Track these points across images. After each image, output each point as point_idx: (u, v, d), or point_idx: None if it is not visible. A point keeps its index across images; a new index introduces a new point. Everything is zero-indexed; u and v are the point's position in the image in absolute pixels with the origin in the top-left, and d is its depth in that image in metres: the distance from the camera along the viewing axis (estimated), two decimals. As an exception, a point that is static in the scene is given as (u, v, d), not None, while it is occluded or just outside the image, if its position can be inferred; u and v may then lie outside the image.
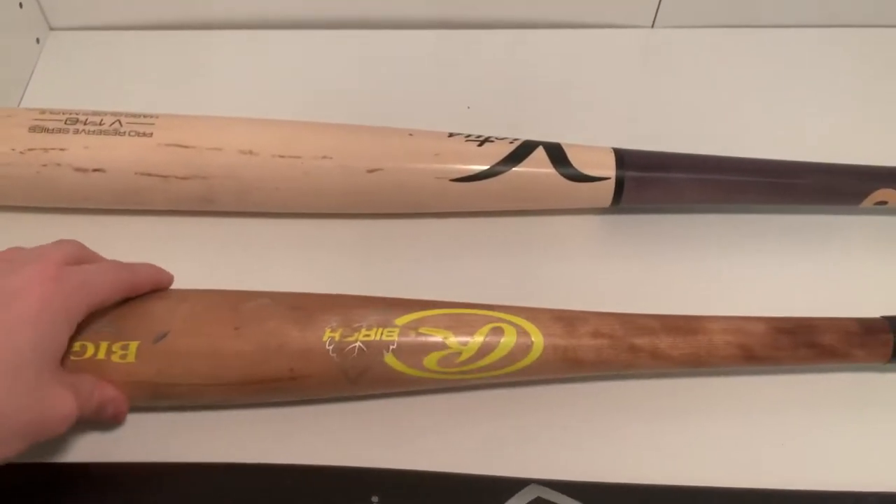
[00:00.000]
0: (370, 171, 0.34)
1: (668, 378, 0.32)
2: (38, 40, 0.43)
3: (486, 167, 0.34)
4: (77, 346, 0.27)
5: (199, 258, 0.34)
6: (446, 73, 0.42)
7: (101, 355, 0.28)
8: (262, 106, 0.37)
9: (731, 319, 0.31)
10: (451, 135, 0.35)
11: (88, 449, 0.29)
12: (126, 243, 0.35)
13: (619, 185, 0.35)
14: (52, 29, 0.44)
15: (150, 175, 0.33)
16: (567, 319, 0.30)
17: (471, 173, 0.34)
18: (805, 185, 0.36)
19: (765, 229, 0.36)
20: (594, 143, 0.36)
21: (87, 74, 0.42)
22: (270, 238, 0.35)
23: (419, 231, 0.36)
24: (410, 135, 0.35)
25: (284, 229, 0.36)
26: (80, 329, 0.27)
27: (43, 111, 0.34)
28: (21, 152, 0.33)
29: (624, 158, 0.35)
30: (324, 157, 0.34)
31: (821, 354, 0.31)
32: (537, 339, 0.29)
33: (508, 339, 0.29)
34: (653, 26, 0.46)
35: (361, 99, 0.40)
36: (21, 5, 0.41)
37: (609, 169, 0.35)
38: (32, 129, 0.33)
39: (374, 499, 0.25)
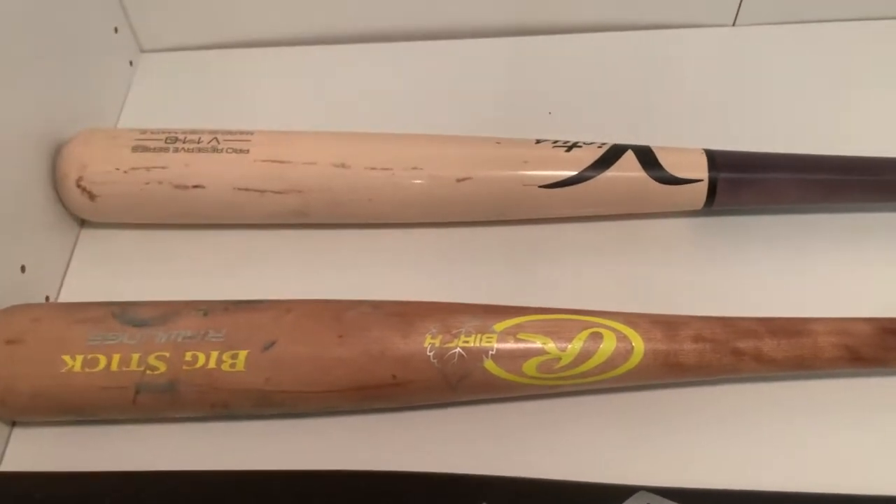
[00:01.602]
0: (459, 181, 0.34)
1: (772, 382, 0.31)
2: (131, 63, 0.45)
3: (574, 172, 0.34)
4: (189, 356, 0.28)
5: (295, 269, 0.35)
6: (527, 81, 0.43)
7: (212, 364, 0.28)
8: (349, 119, 0.38)
9: (836, 321, 0.30)
10: (538, 141, 0.35)
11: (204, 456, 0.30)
12: (224, 257, 0.36)
13: (712, 186, 0.34)
14: (143, 51, 0.45)
15: (247, 190, 0.34)
16: (667, 324, 0.30)
17: (559, 179, 0.34)
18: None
19: (867, 227, 0.35)
20: (681, 145, 0.35)
21: (178, 93, 0.43)
22: (362, 248, 0.36)
23: (510, 237, 0.36)
24: (498, 143, 0.35)
25: (376, 239, 0.36)
26: (193, 340, 0.28)
27: (144, 131, 0.36)
28: (125, 171, 0.34)
29: (716, 159, 0.34)
30: (414, 168, 0.34)
31: (933, 355, 0.30)
32: (637, 343, 0.29)
33: (608, 345, 0.29)
34: (734, 24, 0.45)
35: (444, 109, 0.41)
36: (116, 30, 0.43)
37: (701, 170, 0.34)
38: (135, 149, 0.35)
39: (484, 504, 0.25)
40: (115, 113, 0.42)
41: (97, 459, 0.30)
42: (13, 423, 0.31)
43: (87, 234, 0.37)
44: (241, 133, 0.35)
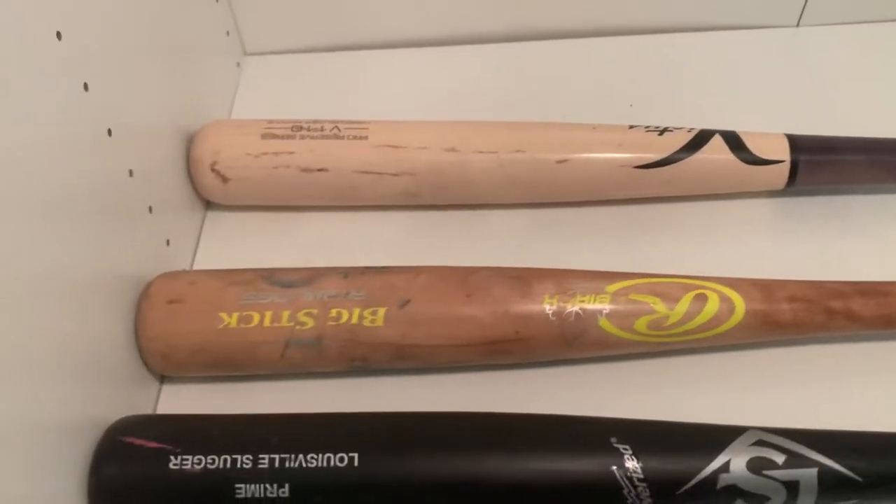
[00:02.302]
0: (559, 162, 0.38)
1: (862, 342, 0.34)
2: (238, 64, 0.48)
3: (667, 155, 0.37)
4: (334, 312, 0.32)
5: (412, 245, 0.38)
6: (609, 79, 0.46)
7: (355, 320, 0.32)
8: (452, 116, 0.41)
9: (922, 284, 0.33)
10: (631, 126, 0.38)
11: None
12: (345, 235, 0.39)
13: (794, 167, 0.37)
14: (246, 54, 0.49)
15: (367, 173, 0.38)
16: (764, 286, 0.32)
17: (653, 160, 0.37)
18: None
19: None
20: (761, 128, 0.38)
21: (281, 94, 0.47)
22: (471, 227, 0.39)
23: (610, 215, 0.39)
24: (594, 128, 0.39)
25: (483, 219, 0.39)
26: (337, 298, 0.31)
27: (270, 121, 0.39)
28: (255, 156, 0.38)
29: (797, 142, 0.37)
30: (517, 151, 0.38)
31: None
32: (738, 303, 0.32)
33: (712, 305, 0.32)
34: (798, 25, 0.48)
35: (537, 103, 0.44)
36: (228, 33, 0.47)
37: (784, 152, 0.37)
38: (264, 136, 0.38)
39: (613, 439, 0.28)
40: (226, 112, 0.46)
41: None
42: (162, 379, 0.35)
43: (212, 216, 0.41)
44: (359, 122, 0.39)
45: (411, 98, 0.45)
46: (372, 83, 0.47)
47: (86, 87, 0.30)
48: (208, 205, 0.41)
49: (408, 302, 0.32)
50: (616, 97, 0.44)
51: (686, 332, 0.32)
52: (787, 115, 0.42)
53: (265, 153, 0.38)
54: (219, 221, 0.40)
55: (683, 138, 0.38)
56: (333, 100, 0.46)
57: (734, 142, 0.37)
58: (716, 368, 0.33)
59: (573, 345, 0.32)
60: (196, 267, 0.39)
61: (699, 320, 0.32)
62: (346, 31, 0.48)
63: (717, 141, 0.37)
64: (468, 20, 0.48)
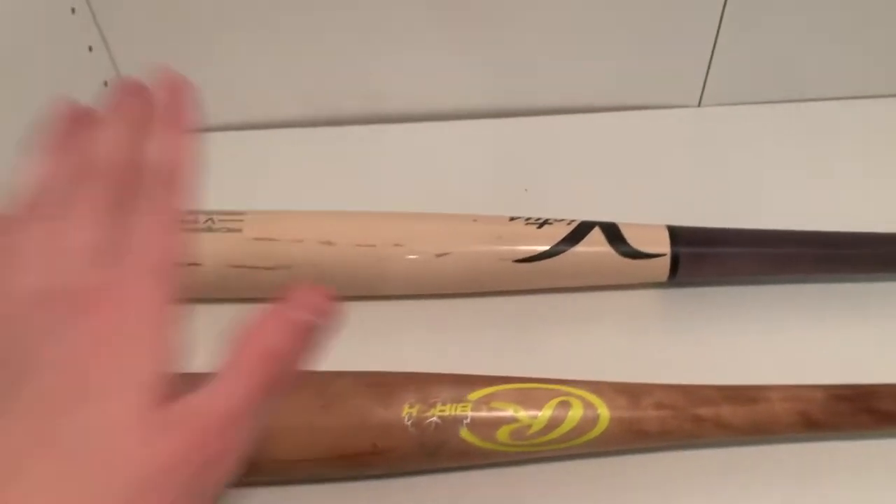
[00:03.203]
0: (439, 256, 0.37)
1: (733, 447, 0.33)
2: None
3: (546, 248, 0.37)
4: (182, 426, 0.30)
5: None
6: (502, 160, 0.45)
7: (203, 435, 0.30)
8: (335, 198, 0.40)
9: (790, 387, 0.32)
10: (511, 218, 0.38)
11: None
12: (215, 329, 0.38)
13: (675, 260, 0.37)
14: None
15: (240, 267, 0.37)
16: (631, 392, 0.32)
17: (532, 254, 0.37)
18: (860, 255, 0.37)
19: (820, 298, 0.38)
20: (648, 221, 0.38)
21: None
22: (347, 319, 0.38)
23: (485, 309, 0.38)
24: (474, 220, 0.38)
25: (359, 311, 0.38)
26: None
27: (144, 212, 0.38)
28: (126, 250, 0.37)
29: (678, 235, 0.37)
30: (396, 245, 0.37)
31: (881, 420, 0.32)
32: (603, 411, 0.31)
33: (575, 412, 0.31)
34: (699, 105, 0.48)
35: (426, 186, 0.43)
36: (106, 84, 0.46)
37: (664, 245, 0.37)
38: (136, 229, 0.37)
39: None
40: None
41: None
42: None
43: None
44: (234, 213, 0.38)
45: (293, 175, 0.45)
46: (262, 161, 0.46)
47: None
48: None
49: (260, 414, 0.31)
50: (511, 180, 0.44)
51: (549, 442, 0.31)
52: (684, 201, 0.42)
53: (135, 247, 0.37)
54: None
55: (563, 230, 0.37)
56: (221, 178, 0.45)
57: (613, 234, 0.37)
58: (583, 474, 0.32)
59: (434, 455, 0.31)
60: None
61: (562, 429, 0.31)
62: (237, 110, 0.48)
63: (597, 233, 0.37)
64: (361, 98, 0.47)
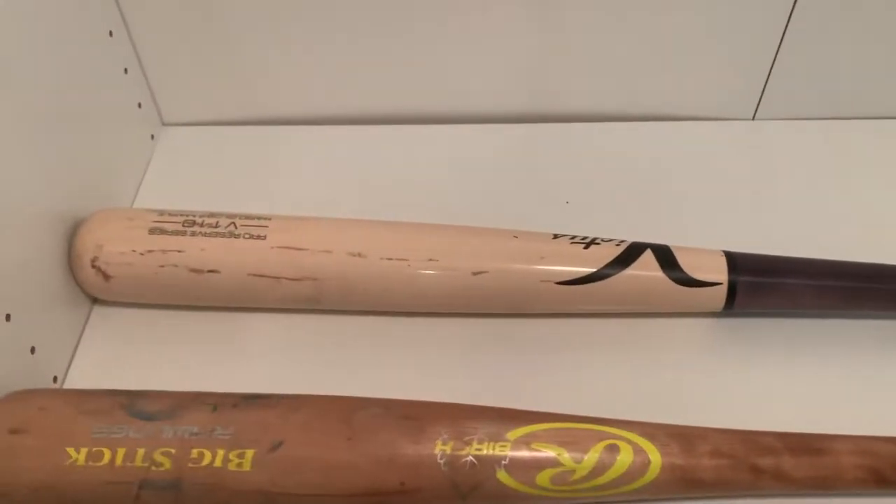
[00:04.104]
0: (475, 274, 0.34)
1: (792, 499, 0.30)
2: (152, 136, 0.45)
3: (592, 270, 0.34)
4: (195, 453, 0.28)
5: (307, 354, 0.35)
6: (543, 169, 0.43)
7: (218, 463, 0.28)
8: (366, 202, 0.38)
9: (860, 439, 0.29)
10: (555, 236, 0.35)
11: None
12: (236, 340, 0.36)
13: (732, 290, 0.34)
14: (164, 124, 0.46)
15: (262, 276, 0.34)
16: (684, 436, 0.29)
17: (577, 276, 0.34)
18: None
19: (891, 336, 0.35)
20: (698, 239, 0.35)
21: (197, 170, 0.44)
22: (375, 336, 0.36)
23: (525, 331, 0.35)
24: (515, 237, 0.35)
25: (388, 328, 0.36)
26: (200, 437, 0.28)
27: (161, 213, 0.36)
28: (141, 253, 0.34)
29: (737, 262, 0.34)
30: (430, 260, 0.34)
31: (961, 481, 0.29)
32: (654, 457, 0.28)
33: (624, 458, 0.28)
34: (753, 118, 0.45)
35: (462, 195, 0.41)
36: (140, 105, 0.43)
37: (721, 273, 0.34)
38: (152, 231, 0.35)
39: None
40: (135, 187, 0.43)
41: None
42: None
43: (99, 312, 0.37)
44: (259, 218, 0.35)
45: (325, 176, 0.42)
46: (292, 159, 0.44)
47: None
48: (96, 300, 0.37)
49: (280, 444, 0.28)
50: (552, 191, 0.41)
51: (594, 488, 0.28)
52: (740, 220, 0.39)
53: (151, 250, 0.34)
54: (107, 317, 0.37)
55: (611, 252, 0.34)
56: (248, 176, 0.43)
57: (666, 259, 0.34)
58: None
59: (468, 498, 0.28)
60: (72, 371, 0.35)
61: (610, 475, 0.28)
62: (265, 105, 0.45)
63: (648, 257, 0.34)
64: (395, 99, 0.44)
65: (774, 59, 0.42)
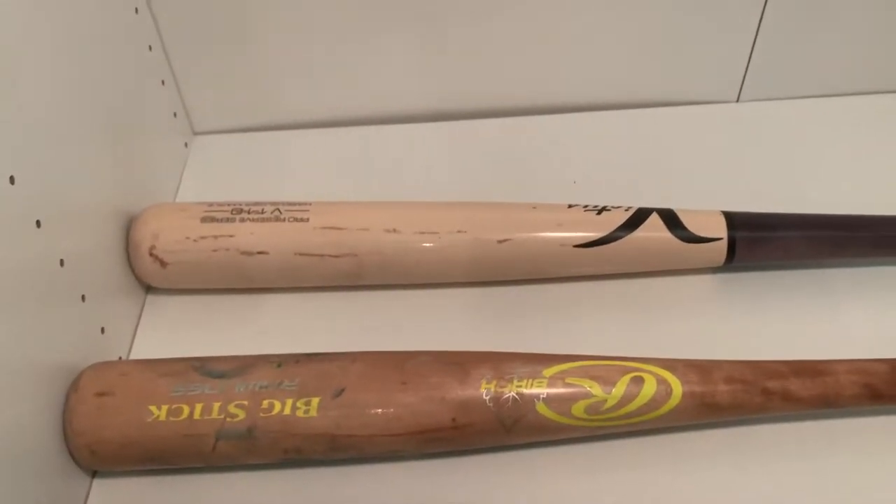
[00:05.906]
0: (500, 242, 0.38)
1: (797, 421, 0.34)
2: (186, 144, 0.48)
3: (605, 233, 0.38)
4: (265, 403, 0.31)
5: (351, 327, 0.38)
6: (549, 154, 0.46)
7: (287, 411, 0.31)
8: (389, 194, 0.41)
9: (855, 361, 0.33)
10: (570, 206, 0.39)
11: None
12: (284, 318, 0.39)
13: (731, 245, 0.37)
14: (195, 133, 0.49)
15: (308, 255, 0.38)
16: (701, 367, 0.32)
17: (592, 239, 0.38)
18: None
19: (877, 280, 0.39)
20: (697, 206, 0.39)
21: (228, 172, 0.47)
22: (412, 308, 0.39)
23: (547, 294, 0.39)
24: (534, 208, 0.39)
25: (424, 299, 0.39)
26: (269, 389, 0.31)
27: (210, 204, 0.39)
28: (195, 240, 0.38)
29: (734, 220, 0.38)
30: (458, 232, 0.38)
31: (946, 392, 0.32)
32: (675, 386, 0.32)
33: (649, 387, 0.32)
34: (738, 100, 0.49)
35: (481, 181, 0.44)
36: (175, 115, 0.47)
37: (721, 230, 0.38)
38: (204, 220, 0.38)
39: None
40: (174, 189, 0.46)
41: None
42: (94, 474, 0.34)
43: (152, 301, 0.40)
44: (301, 203, 0.39)
45: (356, 175, 0.46)
46: (315, 160, 0.47)
47: (11, 180, 0.29)
48: (149, 288, 0.40)
49: (342, 391, 0.31)
50: (558, 174, 0.45)
51: (624, 416, 0.32)
52: (727, 191, 0.43)
53: (204, 237, 0.38)
54: (160, 305, 0.40)
55: (621, 217, 0.38)
56: (281, 178, 0.46)
57: (671, 220, 0.38)
58: (656, 450, 0.33)
59: (511, 431, 0.32)
60: (134, 354, 0.38)
61: (636, 403, 0.32)
62: (294, 111, 0.49)
63: (655, 219, 0.38)
64: (410, 99, 0.48)
65: (753, 45, 0.46)
